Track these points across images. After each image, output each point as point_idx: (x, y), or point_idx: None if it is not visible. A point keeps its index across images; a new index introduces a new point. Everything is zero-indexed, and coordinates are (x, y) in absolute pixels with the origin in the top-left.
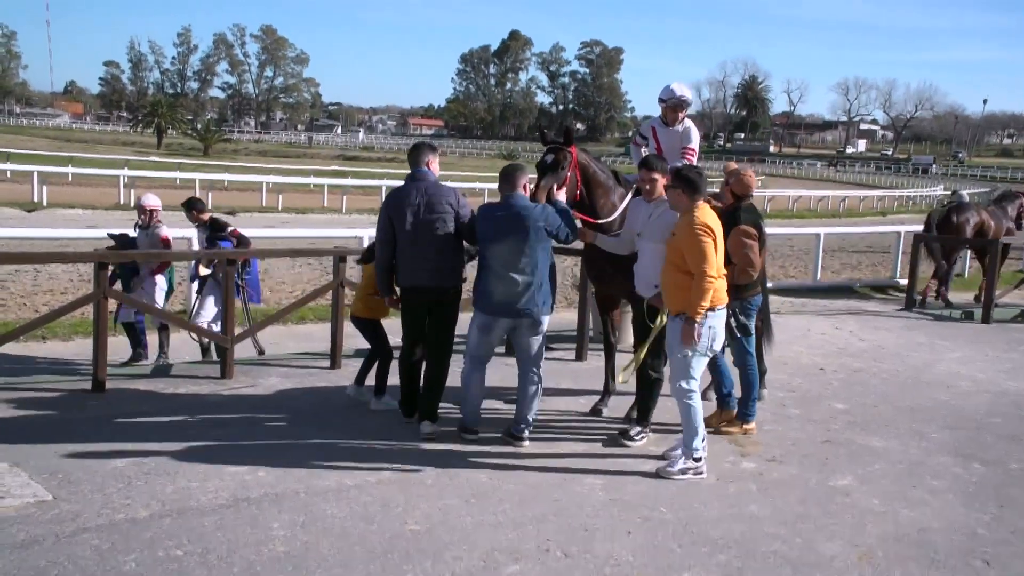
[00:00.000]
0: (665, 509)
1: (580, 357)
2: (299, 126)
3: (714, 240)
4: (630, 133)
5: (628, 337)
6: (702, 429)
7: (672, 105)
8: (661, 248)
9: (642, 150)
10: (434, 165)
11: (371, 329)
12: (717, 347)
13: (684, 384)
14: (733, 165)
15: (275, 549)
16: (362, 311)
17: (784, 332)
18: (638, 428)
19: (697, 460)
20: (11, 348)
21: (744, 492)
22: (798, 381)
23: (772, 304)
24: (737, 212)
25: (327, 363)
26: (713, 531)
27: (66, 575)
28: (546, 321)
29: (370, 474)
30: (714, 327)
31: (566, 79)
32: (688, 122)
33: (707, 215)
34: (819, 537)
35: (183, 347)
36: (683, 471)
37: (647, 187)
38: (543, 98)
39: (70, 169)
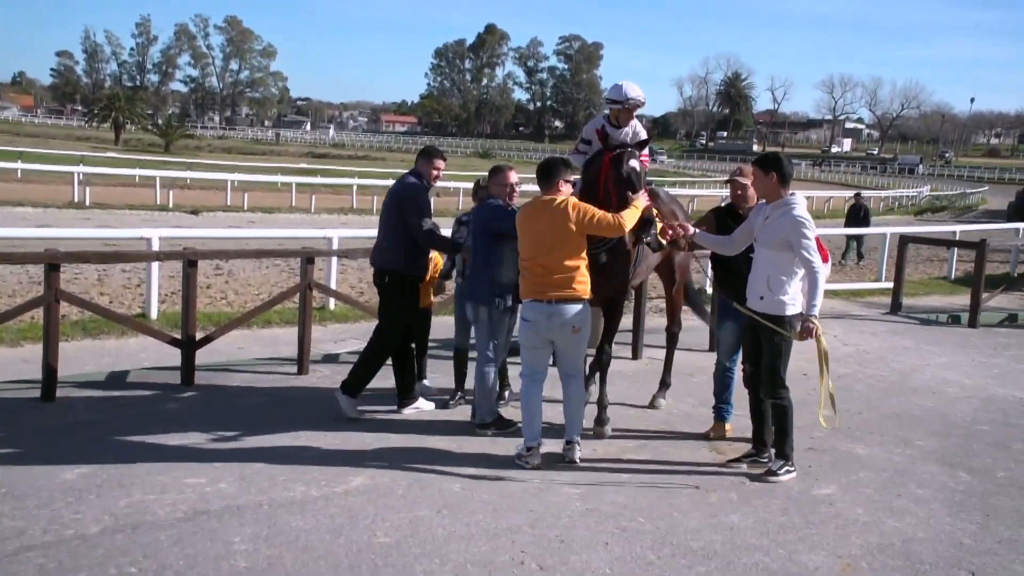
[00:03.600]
0: (643, 519)
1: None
2: (266, 122)
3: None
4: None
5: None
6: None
7: (629, 107)
8: (771, 255)
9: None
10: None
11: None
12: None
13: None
14: (749, 168)
15: (236, 564)
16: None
17: None
18: (780, 462)
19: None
20: None
21: (725, 501)
22: None
23: None
24: None
25: (294, 369)
26: (693, 542)
27: None
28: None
29: (337, 485)
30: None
31: (544, 75)
32: (636, 123)
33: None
34: (802, 547)
35: (141, 352)
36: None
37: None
38: (520, 94)
39: (19, 165)
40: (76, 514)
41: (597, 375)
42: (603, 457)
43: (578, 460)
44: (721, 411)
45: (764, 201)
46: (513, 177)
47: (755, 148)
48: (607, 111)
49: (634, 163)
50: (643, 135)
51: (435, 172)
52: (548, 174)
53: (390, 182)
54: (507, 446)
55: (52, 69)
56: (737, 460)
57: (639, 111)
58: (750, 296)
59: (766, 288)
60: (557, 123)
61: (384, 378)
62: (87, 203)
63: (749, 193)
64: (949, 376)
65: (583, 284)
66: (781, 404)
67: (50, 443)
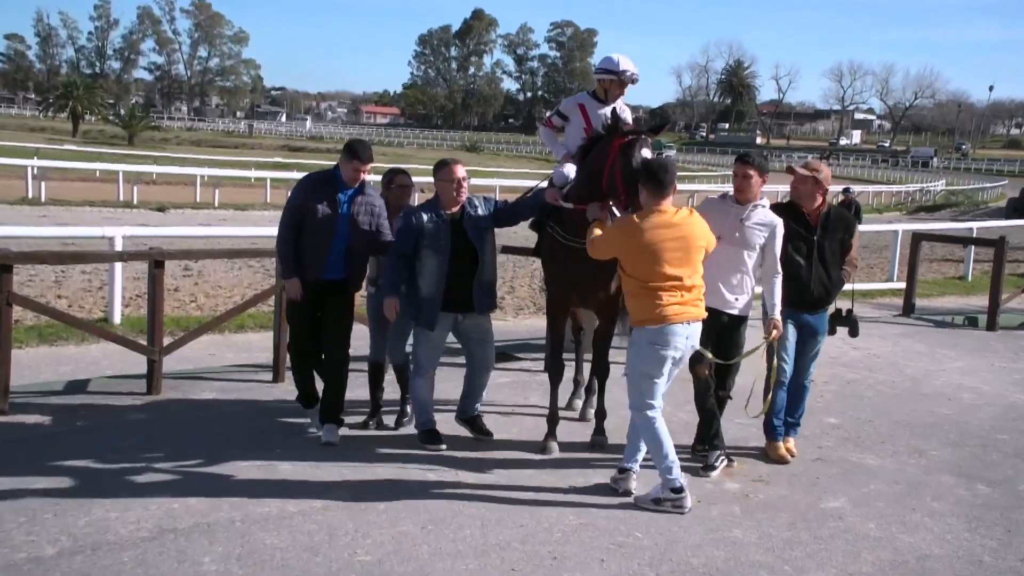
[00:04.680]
0: (641, 534)
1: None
2: (238, 113)
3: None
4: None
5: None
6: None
7: (624, 81)
8: (749, 256)
9: (557, 135)
10: None
11: None
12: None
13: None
14: (821, 164)
15: None
16: None
17: None
18: (717, 453)
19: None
20: None
21: (728, 515)
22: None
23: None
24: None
25: (269, 376)
26: (694, 558)
27: None
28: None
29: (316, 499)
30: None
31: (535, 63)
32: (622, 103)
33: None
34: (809, 565)
35: (103, 360)
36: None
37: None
38: (510, 84)
39: None
40: (29, 536)
41: (595, 383)
42: (599, 467)
43: (633, 490)
44: (792, 426)
45: (732, 199)
46: (460, 171)
47: (758, 140)
48: (595, 87)
49: (647, 152)
50: (629, 119)
51: (353, 174)
52: (665, 179)
53: (370, 176)
54: (497, 457)
55: (1, 54)
56: (708, 467)
57: (632, 100)
58: (723, 300)
59: (742, 290)
60: (547, 113)
61: (362, 387)
62: (43, 199)
63: (821, 189)
64: (966, 382)
65: (703, 299)
66: (726, 399)
67: (1, 458)
